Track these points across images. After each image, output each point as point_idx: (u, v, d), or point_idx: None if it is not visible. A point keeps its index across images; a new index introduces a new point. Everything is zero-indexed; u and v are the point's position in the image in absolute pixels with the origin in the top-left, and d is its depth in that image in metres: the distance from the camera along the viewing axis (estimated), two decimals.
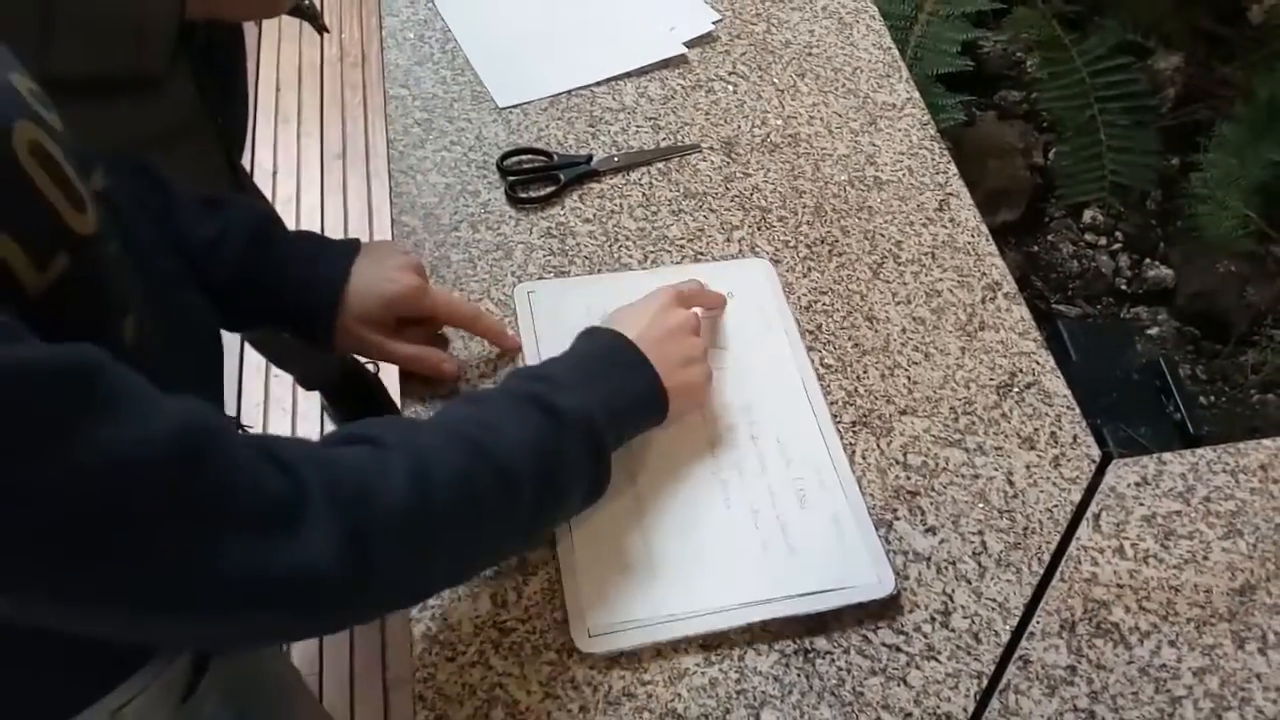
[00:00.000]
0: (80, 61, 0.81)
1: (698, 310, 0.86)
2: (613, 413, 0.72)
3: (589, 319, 0.90)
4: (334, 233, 2.28)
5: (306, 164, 2.42)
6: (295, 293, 0.79)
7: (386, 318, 0.81)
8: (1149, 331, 1.47)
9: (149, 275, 0.63)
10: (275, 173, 2.40)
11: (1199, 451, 0.88)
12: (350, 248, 0.82)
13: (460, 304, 0.87)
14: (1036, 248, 1.58)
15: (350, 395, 1.81)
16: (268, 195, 2.39)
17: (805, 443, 0.85)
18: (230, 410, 1.89)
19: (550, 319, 0.91)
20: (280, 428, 1.94)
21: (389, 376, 1.75)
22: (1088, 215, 1.60)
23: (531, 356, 0.88)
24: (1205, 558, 0.82)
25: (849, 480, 0.83)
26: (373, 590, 0.56)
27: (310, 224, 2.29)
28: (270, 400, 1.99)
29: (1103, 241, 1.58)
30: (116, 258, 0.55)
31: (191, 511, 0.47)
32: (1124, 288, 1.52)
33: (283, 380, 1.92)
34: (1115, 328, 1.45)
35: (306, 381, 1.82)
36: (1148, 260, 1.55)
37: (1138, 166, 1.55)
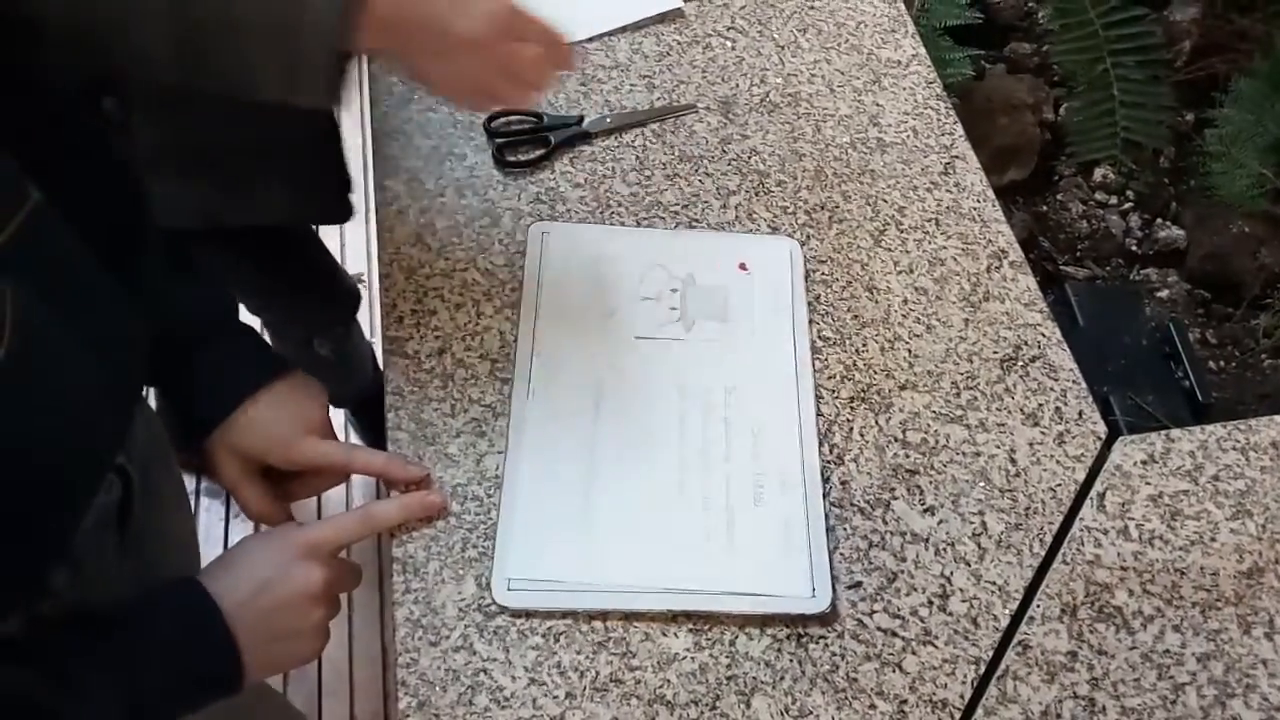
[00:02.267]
0: None
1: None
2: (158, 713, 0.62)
3: (596, 269, 0.88)
4: None
5: None
6: (200, 383, 0.75)
7: (254, 458, 0.75)
8: (1159, 294, 1.43)
9: (72, 290, 0.60)
10: None
11: (1208, 428, 0.85)
12: (262, 379, 0.75)
13: (329, 458, 0.76)
14: (1045, 207, 1.53)
15: (376, 413, 1.78)
16: None
17: (780, 439, 0.81)
18: None
19: (558, 263, 0.89)
20: None
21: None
22: (1098, 174, 1.55)
23: (529, 303, 0.86)
24: (1213, 539, 0.79)
25: (815, 487, 0.79)
26: None
27: None
28: None
29: (1113, 201, 1.54)
30: None
31: None
32: (1134, 249, 1.48)
33: None
34: (1124, 290, 1.42)
35: (336, 400, 1.80)
36: (1159, 220, 1.51)
37: (1151, 123, 1.50)
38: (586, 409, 0.81)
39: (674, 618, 0.73)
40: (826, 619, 0.74)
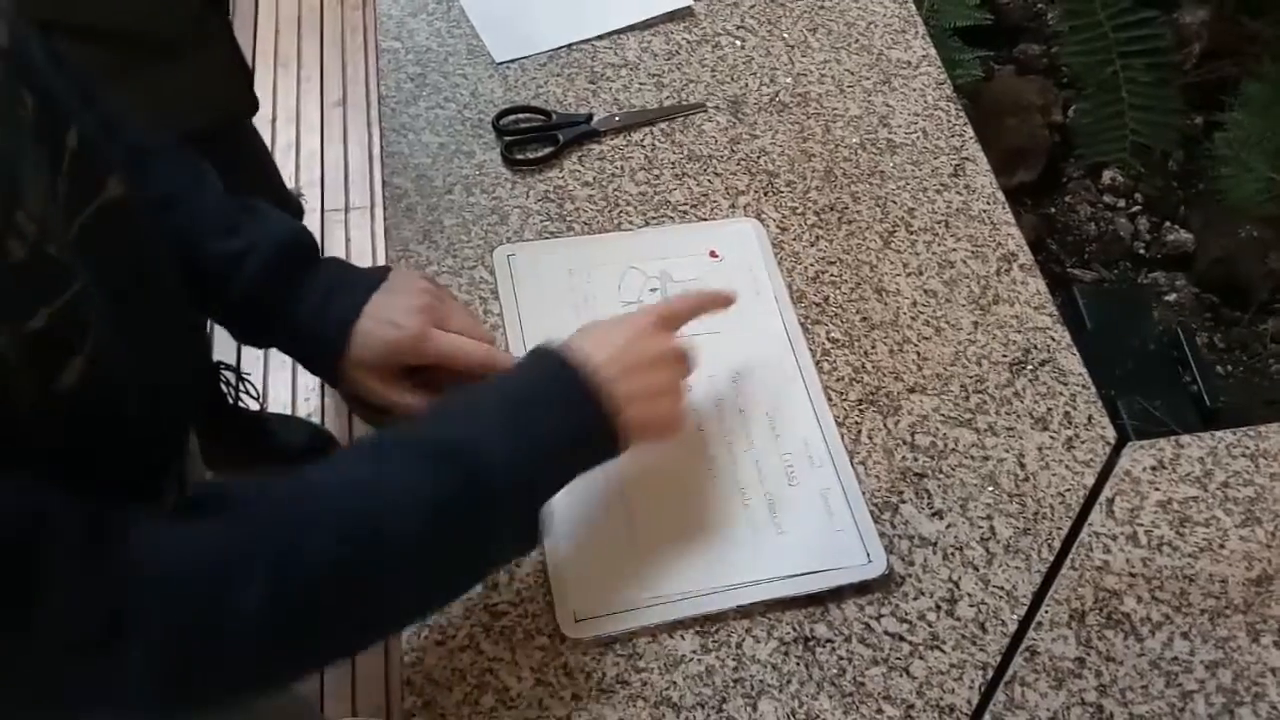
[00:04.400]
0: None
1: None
2: (548, 460, 0.63)
3: (570, 282, 0.88)
4: (335, 182, 2.25)
5: (306, 110, 2.36)
6: (304, 328, 0.72)
7: (388, 364, 0.73)
8: (1166, 298, 1.42)
9: (141, 289, 0.59)
10: (274, 119, 2.34)
11: (1218, 434, 0.85)
12: (371, 282, 0.74)
13: (467, 348, 0.74)
14: (1053, 209, 1.53)
15: None
16: (266, 142, 2.36)
17: (795, 415, 0.82)
18: (229, 358, 1.87)
19: (531, 283, 0.88)
20: (280, 377, 1.93)
21: None
22: (1107, 176, 1.54)
23: (512, 323, 0.85)
24: (1222, 546, 0.79)
25: (840, 454, 0.80)
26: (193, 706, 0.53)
27: (309, 172, 2.25)
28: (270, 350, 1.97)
29: (1122, 204, 1.53)
30: (77, 301, 0.50)
31: None
32: (1142, 252, 1.47)
33: None
34: (1132, 294, 1.41)
35: None
36: (1167, 224, 1.50)
37: (1160, 126, 1.50)
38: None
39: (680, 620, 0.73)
40: (894, 593, 0.74)
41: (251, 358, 1.96)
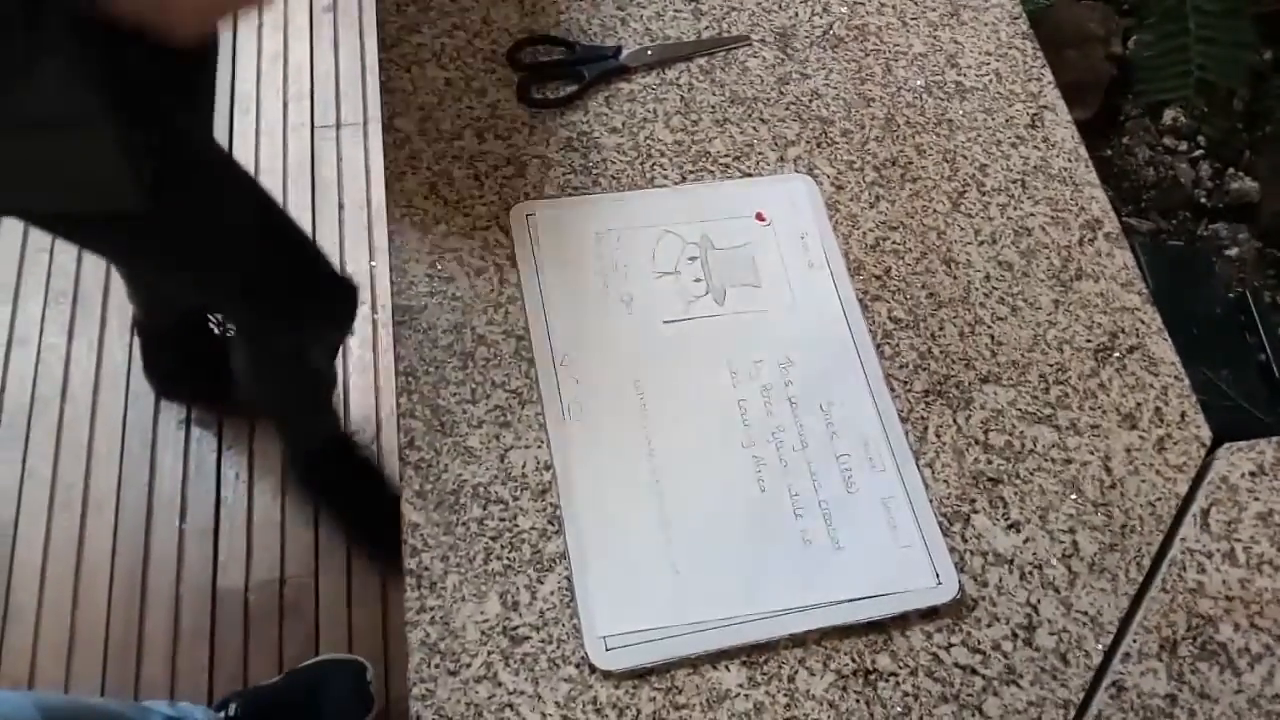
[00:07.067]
0: None
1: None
2: None
3: (598, 247, 0.77)
4: (325, 96, 2.11)
5: (294, 16, 2.20)
6: None
7: None
8: (1227, 252, 1.32)
9: None
10: (260, 26, 2.18)
11: None
12: None
13: None
14: (1109, 151, 1.41)
15: (342, 468, 1.51)
16: (252, 52, 2.20)
17: (853, 409, 0.72)
18: None
19: (554, 248, 0.77)
20: None
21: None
22: (1168, 115, 1.43)
23: (532, 294, 0.74)
24: None
25: (904, 455, 0.71)
26: None
27: (299, 83, 2.10)
28: None
29: (1183, 147, 1.41)
30: None
31: None
32: (1203, 201, 1.36)
33: None
34: (1195, 253, 1.31)
35: (306, 445, 1.52)
36: (1231, 170, 1.39)
37: (1228, 61, 1.37)
38: (633, 420, 0.71)
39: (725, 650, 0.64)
40: (965, 618, 0.65)
41: None
